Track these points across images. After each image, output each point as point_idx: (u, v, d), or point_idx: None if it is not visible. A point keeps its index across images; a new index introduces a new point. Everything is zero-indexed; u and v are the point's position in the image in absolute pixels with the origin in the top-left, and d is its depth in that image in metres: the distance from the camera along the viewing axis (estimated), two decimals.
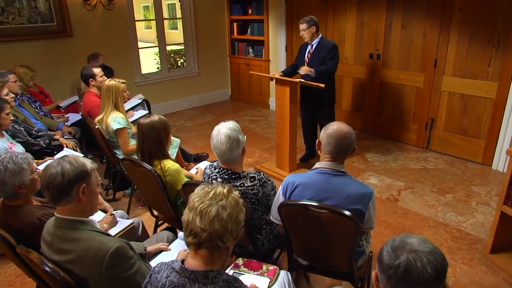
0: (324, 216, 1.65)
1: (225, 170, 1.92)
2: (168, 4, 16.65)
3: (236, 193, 1.26)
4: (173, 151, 3.39)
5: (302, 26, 3.76)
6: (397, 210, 3.32)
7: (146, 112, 4.28)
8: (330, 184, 1.73)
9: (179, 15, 6.39)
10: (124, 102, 3.24)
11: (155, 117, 2.26)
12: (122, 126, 3.03)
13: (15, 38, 4.66)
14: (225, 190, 1.22)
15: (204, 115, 6.22)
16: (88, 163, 1.44)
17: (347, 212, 1.60)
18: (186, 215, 1.20)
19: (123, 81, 3.15)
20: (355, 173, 4.00)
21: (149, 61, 9.80)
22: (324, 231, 1.71)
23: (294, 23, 5.65)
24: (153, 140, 2.22)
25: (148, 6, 17.22)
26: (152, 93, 5.99)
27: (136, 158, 2.31)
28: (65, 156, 1.42)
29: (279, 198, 1.84)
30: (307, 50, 3.87)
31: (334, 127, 1.79)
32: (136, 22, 5.79)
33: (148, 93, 5.83)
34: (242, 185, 1.89)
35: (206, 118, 6.05)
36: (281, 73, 3.91)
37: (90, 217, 1.49)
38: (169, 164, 2.24)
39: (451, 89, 4.21)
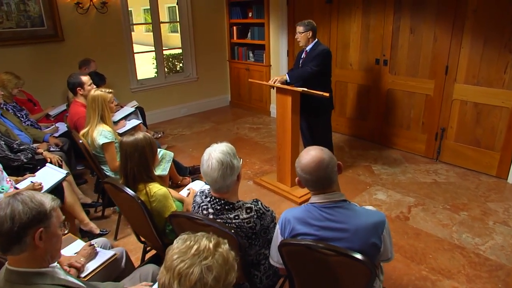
0: (333, 259, 1.40)
1: (217, 200, 1.67)
2: (169, 7, 16.43)
3: (225, 247, 1.00)
4: (166, 166, 3.17)
5: (299, 28, 3.56)
6: (408, 231, 3.05)
7: (139, 121, 4.07)
8: (332, 220, 1.47)
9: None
10: (113, 112, 2.99)
11: (140, 135, 2.01)
12: (109, 141, 2.79)
13: (3, 43, 4.42)
14: (211, 245, 0.97)
15: (202, 123, 5.97)
16: (48, 201, 1.19)
17: (358, 255, 1.35)
18: (162, 276, 0.95)
19: (110, 90, 2.91)
20: (362, 187, 3.74)
21: (147, 65, 9.58)
22: (332, 275, 1.46)
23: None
24: (137, 161, 1.97)
25: (149, 9, 17.06)
26: (148, 100, 5.77)
27: (119, 179, 2.06)
28: (18, 194, 1.16)
29: (277, 238, 1.58)
30: (302, 56, 3.67)
31: (307, 157, 1.53)
32: (137, 25, 5.55)
33: (144, 99, 5.61)
34: (236, 217, 1.63)
35: (204, 126, 5.81)
36: (284, 80, 3.66)
37: (52, 265, 1.24)
38: (156, 189, 1.99)
39: (463, 97, 3.95)
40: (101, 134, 2.78)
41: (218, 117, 6.26)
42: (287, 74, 3.52)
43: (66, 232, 1.22)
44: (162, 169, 3.15)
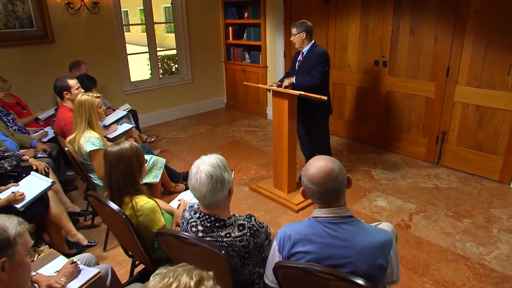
0: (333, 284, 1.27)
1: (206, 216, 1.54)
2: (165, 7, 16.28)
3: (209, 283, 0.88)
4: (157, 173, 3.05)
5: (293, 30, 3.45)
6: (410, 240, 2.94)
7: (131, 126, 3.94)
8: (337, 238, 1.35)
9: None
10: (101, 118, 2.86)
11: (126, 144, 1.88)
12: (96, 148, 2.65)
13: None
14: (192, 282, 0.84)
15: (198, 125, 5.84)
16: (12, 226, 1.05)
17: (360, 281, 1.22)
18: None
19: (98, 95, 2.77)
20: (361, 193, 3.62)
21: (143, 66, 9.43)
22: None
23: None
24: (122, 172, 1.83)
25: (143, 9, 16.78)
26: (142, 102, 5.65)
27: (104, 192, 1.93)
28: None
29: (274, 256, 1.45)
30: (298, 58, 3.54)
31: (316, 167, 1.40)
32: (133, 26, 5.42)
33: (138, 102, 5.49)
34: (228, 235, 1.50)
35: (199, 129, 5.67)
36: (279, 83, 3.56)
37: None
38: (143, 202, 1.85)
39: (465, 99, 3.84)
40: (89, 140, 2.65)
41: (214, 119, 6.13)
42: (294, 78, 3.39)
43: (35, 258, 1.09)
44: (153, 177, 3.02)
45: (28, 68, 4.60)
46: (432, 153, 4.22)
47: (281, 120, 3.31)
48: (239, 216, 1.62)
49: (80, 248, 2.79)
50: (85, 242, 2.76)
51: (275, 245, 1.44)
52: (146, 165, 2.91)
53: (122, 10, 5.38)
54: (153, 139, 4.48)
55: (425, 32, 3.97)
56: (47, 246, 2.63)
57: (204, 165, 1.48)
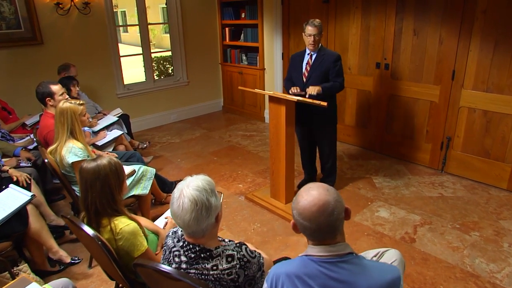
0: None
1: (191, 246, 1.35)
2: (162, 8, 16.08)
3: None
4: (146, 184, 2.87)
5: (314, 29, 3.07)
6: (415, 255, 2.76)
7: (121, 132, 3.75)
8: (335, 279, 1.16)
9: None
10: (90, 126, 2.68)
11: (103, 160, 1.69)
12: (79, 159, 2.46)
13: None
14: None
15: (193, 129, 5.66)
16: None
17: None
18: None
19: (81, 102, 2.59)
20: (363, 203, 3.44)
21: (139, 68, 9.23)
22: None
23: (291, 28, 5.11)
24: (99, 191, 1.64)
25: (136, 9, 16.42)
26: (135, 106, 5.47)
27: (81, 213, 1.75)
28: None
29: None
30: (305, 61, 3.28)
31: (307, 199, 1.18)
32: (131, 27, 5.24)
33: (131, 105, 5.33)
34: (215, 267, 1.32)
35: (195, 133, 5.49)
36: (320, 92, 3.11)
37: None
38: (122, 224, 1.67)
39: (471, 104, 3.66)
40: (71, 151, 2.47)
41: (210, 123, 5.94)
42: (321, 88, 3.08)
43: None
44: (142, 188, 2.84)
45: (15, 71, 4.41)
46: (437, 159, 4.04)
47: (278, 127, 3.13)
48: (229, 243, 1.44)
49: (63, 266, 2.62)
50: (68, 260, 2.58)
51: (265, 287, 1.24)
52: (134, 175, 2.75)
53: (120, 10, 5.23)
54: (145, 145, 4.29)
55: (430, 33, 3.79)
56: (26, 264, 2.45)
57: (188, 189, 1.30)
